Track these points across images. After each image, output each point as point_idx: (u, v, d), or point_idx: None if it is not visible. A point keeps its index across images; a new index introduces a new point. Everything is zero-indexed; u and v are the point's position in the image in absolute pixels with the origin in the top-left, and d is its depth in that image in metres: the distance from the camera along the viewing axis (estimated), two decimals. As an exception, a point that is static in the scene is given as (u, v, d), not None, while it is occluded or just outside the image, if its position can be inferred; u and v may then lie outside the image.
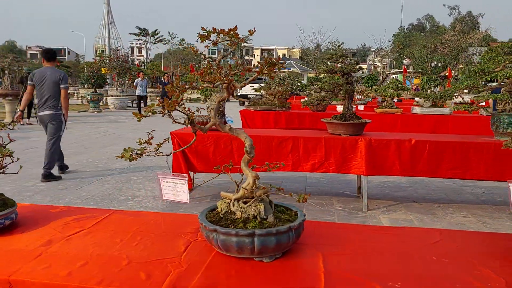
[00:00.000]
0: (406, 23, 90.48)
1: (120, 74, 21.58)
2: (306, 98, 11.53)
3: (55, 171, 5.85)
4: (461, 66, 40.78)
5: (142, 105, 16.76)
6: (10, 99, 13.07)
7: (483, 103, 7.59)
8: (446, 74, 27.77)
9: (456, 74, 30.81)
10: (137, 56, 71.49)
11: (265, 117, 7.74)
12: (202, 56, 1.34)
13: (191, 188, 4.63)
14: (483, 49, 45.48)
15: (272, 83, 8.54)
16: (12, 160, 1.52)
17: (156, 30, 63.13)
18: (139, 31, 62.52)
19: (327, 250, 1.36)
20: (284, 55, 72.91)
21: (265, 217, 1.32)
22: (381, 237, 1.50)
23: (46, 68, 5.74)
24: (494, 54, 4.61)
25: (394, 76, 29.36)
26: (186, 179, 1.49)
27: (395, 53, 53.81)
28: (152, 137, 1.40)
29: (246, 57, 71.09)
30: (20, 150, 7.63)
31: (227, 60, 68.83)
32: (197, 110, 1.88)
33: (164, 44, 65.38)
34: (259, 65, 1.23)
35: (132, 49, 73.94)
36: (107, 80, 22.89)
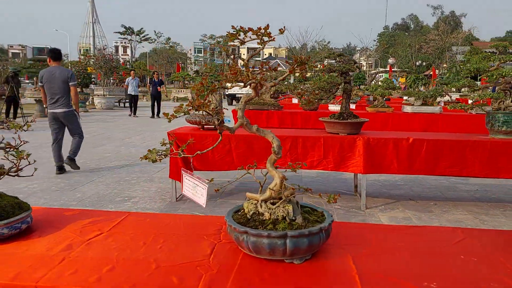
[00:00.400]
0: (390, 22, 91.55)
1: (106, 73, 21.31)
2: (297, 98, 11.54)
3: (53, 169, 5.92)
4: (445, 65, 41.42)
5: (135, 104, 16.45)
6: (-5, 99, 12.80)
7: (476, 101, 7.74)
8: (431, 73, 28.16)
9: (440, 73, 31.28)
10: (121, 55, 70.69)
11: (257, 116, 7.71)
12: (230, 55, 1.31)
13: (188, 188, 4.58)
14: (466, 49, 46.29)
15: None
16: (29, 162, 1.48)
17: (141, 28, 62.61)
18: (124, 29, 61.89)
19: (354, 250, 1.35)
20: (271, 54, 72.98)
21: (293, 218, 1.30)
22: (403, 237, 1.50)
23: (54, 68, 5.99)
24: (480, 54, 4.70)
25: (379, 75, 29.63)
26: (208, 185, 1.47)
27: (380, 52, 54.36)
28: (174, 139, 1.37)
29: (232, 56, 70.86)
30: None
31: (213, 60, 68.64)
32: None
33: (150, 43, 64.87)
34: (287, 64, 1.21)
35: (116, 48, 73.16)
36: (93, 79, 22.59)
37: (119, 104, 22.32)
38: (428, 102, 8.34)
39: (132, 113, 15.56)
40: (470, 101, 9.85)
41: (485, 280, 1.16)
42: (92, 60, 22.87)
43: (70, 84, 5.98)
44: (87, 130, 10.69)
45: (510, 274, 1.19)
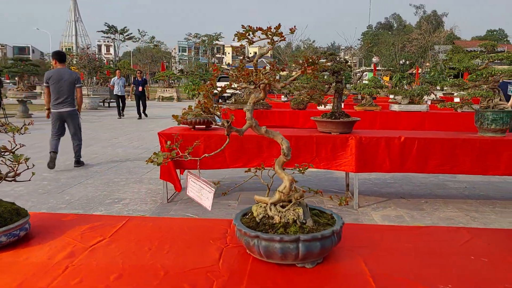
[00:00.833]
0: (374, 21, 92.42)
1: (90, 72, 20.98)
2: (283, 97, 11.54)
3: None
4: (428, 64, 41.98)
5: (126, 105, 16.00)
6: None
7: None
8: (414, 71, 28.52)
9: (423, 72, 31.70)
10: (105, 54, 69.78)
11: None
12: (242, 56, 1.28)
13: (179, 190, 4.53)
14: (448, 47, 47.04)
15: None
16: (28, 166, 1.42)
17: (125, 27, 61.90)
18: (107, 28, 61.10)
19: (364, 252, 1.34)
20: (255, 53, 72.93)
21: (304, 221, 1.28)
22: (411, 237, 1.49)
23: (61, 69, 6.37)
24: (469, 53, 4.77)
25: (365, 73, 29.86)
26: (214, 189, 1.44)
27: (364, 51, 54.80)
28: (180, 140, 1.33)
29: (217, 55, 70.70)
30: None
31: (197, 59, 68.32)
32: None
33: (133, 41, 64.21)
34: (299, 65, 1.19)
35: (99, 47, 72.14)
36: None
37: (103, 104, 22.02)
38: (415, 101, 8.43)
39: (121, 115, 15.13)
40: (456, 99, 9.99)
41: (499, 281, 1.15)
42: (75, 59, 22.50)
43: (76, 86, 6.44)
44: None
45: (523, 274, 1.19)
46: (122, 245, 1.41)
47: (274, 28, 1.16)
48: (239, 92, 10.61)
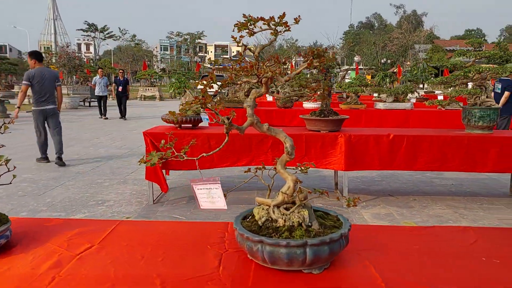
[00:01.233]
0: (355, 21, 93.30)
1: (70, 71, 20.53)
2: (268, 96, 11.47)
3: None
4: (408, 62, 42.56)
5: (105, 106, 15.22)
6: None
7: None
8: (395, 70, 28.88)
9: (404, 70, 32.10)
10: (84, 53, 68.53)
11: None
12: (241, 47, 1.19)
13: (166, 191, 4.41)
14: (428, 46, 47.78)
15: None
16: (8, 169, 1.31)
17: (105, 25, 60.90)
18: (87, 26, 60.04)
19: (372, 256, 1.27)
20: (238, 51, 72.71)
21: (310, 224, 1.20)
22: (416, 239, 1.43)
23: (42, 69, 6.59)
24: (457, 51, 4.79)
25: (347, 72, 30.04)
26: (219, 183, 1.34)
27: (346, 50, 55.24)
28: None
29: (200, 54, 70.24)
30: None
31: (180, 57, 67.74)
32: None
33: (114, 40, 63.25)
34: (303, 58, 1.11)
35: (79, 45, 70.81)
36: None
37: (84, 104, 21.56)
38: (399, 99, 8.48)
39: (103, 115, 14.57)
40: (439, 97, 10.09)
41: (516, 284, 1.10)
42: (55, 58, 21.99)
43: (57, 84, 6.67)
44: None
45: (539, 276, 1.14)
46: (113, 253, 1.31)
47: (278, 17, 1.08)
48: (223, 91, 10.50)
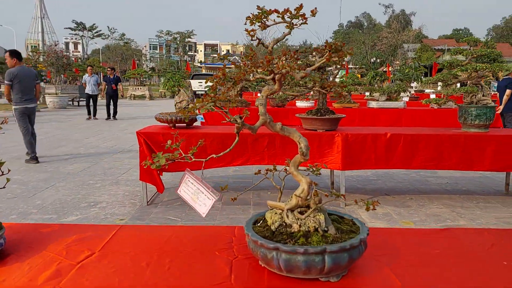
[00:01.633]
0: (345, 20, 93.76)
1: (58, 70, 20.22)
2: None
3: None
4: (397, 62, 42.83)
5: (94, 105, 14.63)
6: None
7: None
8: (385, 69, 29.03)
9: (394, 69, 32.28)
10: (72, 51, 67.70)
11: (224, 113, 7.49)
12: (255, 41, 1.12)
13: (162, 191, 4.32)
14: (417, 46, 48.16)
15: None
16: (2, 172, 1.22)
17: (93, 24, 60.27)
18: (75, 25, 59.35)
19: (390, 261, 1.21)
20: (228, 50, 72.59)
21: (326, 228, 1.14)
22: (434, 242, 1.38)
23: (24, 68, 6.84)
24: (453, 49, 4.78)
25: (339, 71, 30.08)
26: (217, 197, 1.27)
27: (336, 49, 55.17)
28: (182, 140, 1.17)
29: (189, 53, 69.90)
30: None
31: (169, 56, 67.33)
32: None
33: (103, 39, 62.61)
34: (320, 52, 1.04)
35: (67, 44, 69.97)
36: (44, 77, 21.36)
37: (72, 103, 21.25)
38: (392, 98, 8.48)
39: (92, 115, 14.05)
40: (431, 96, 10.12)
41: (545, 291, 1.05)
42: (42, 57, 21.64)
43: (36, 82, 6.85)
44: (41, 131, 9.94)
45: None
46: (116, 261, 1.23)
47: (295, 9, 1.01)
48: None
